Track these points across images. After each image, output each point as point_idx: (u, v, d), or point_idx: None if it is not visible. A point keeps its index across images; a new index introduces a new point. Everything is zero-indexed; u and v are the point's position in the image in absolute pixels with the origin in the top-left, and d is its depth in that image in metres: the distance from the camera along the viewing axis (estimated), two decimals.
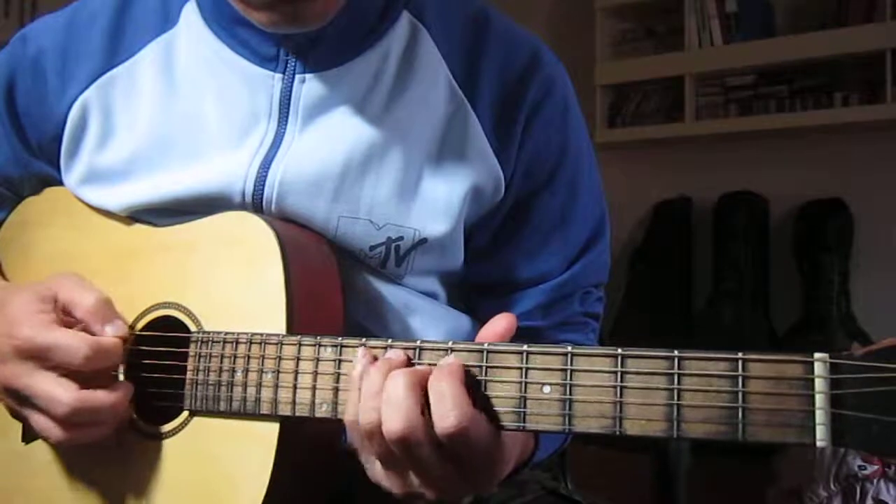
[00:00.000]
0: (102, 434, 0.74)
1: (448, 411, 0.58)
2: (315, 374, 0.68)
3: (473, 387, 0.61)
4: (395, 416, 0.60)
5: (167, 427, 0.76)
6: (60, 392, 0.71)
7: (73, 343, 0.72)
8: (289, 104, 0.83)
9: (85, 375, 0.72)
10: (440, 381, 0.60)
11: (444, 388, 0.59)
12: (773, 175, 3.23)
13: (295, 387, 0.69)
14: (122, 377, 0.78)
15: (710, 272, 3.31)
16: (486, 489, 0.65)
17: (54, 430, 0.73)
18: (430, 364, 0.64)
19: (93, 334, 0.75)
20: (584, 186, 0.91)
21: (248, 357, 0.72)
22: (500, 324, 0.65)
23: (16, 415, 0.77)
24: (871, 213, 3.06)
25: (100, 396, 0.72)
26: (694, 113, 3.33)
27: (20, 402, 0.75)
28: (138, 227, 0.86)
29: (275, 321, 0.72)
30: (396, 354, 0.64)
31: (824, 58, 3.05)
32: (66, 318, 0.76)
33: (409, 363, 0.64)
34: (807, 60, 3.09)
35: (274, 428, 0.70)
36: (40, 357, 0.72)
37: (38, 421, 0.74)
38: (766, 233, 3.24)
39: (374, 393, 0.62)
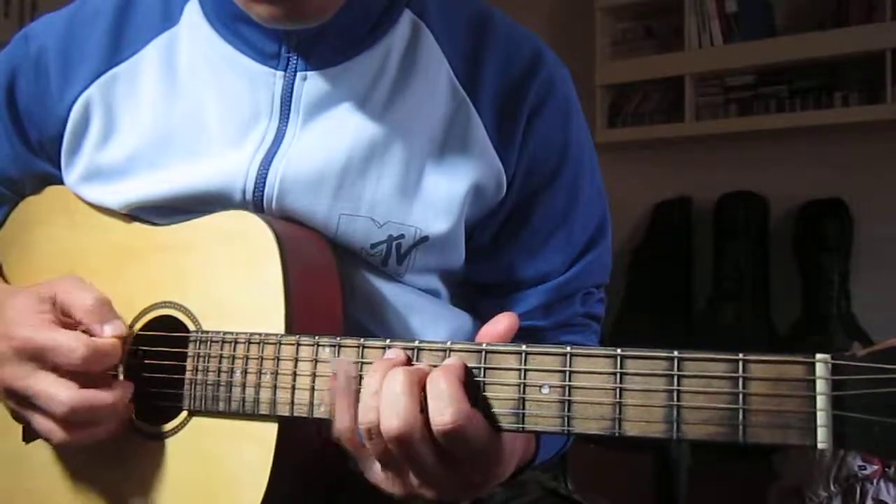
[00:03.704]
0: (104, 433, 0.74)
1: (444, 408, 0.58)
2: (313, 374, 0.68)
3: (472, 386, 0.61)
4: (393, 413, 0.59)
5: (166, 427, 0.76)
6: (60, 392, 0.71)
7: (70, 343, 0.71)
8: (290, 102, 0.83)
9: (85, 376, 0.72)
10: (439, 378, 0.60)
11: (442, 385, 0.59)
12: (773, 175, 3.24)
13: (293, 387, 0.69)
14: (121, 377, 0.78)
15: (710, 272, 3.32)
16: (485, 489, 0.65)
17: (55, 431, 0.73)
18: (430, 365, 0.63)
19: (92, 335, 0.74)
20: (586, 186, 0.91)
21: (247, 357, 0.72)
22: (502, 323, 0.64)
23: (17, 416, 0.77)
24: (871, 213, 3.06)
25: (100, 395, 0.72)
26: (694, 113, 3.34)
27: (21, 403, 0.74)
28: (138, 226, 0.86)
29: (273, 321, 0.72)
30: (395, 353, 0.64)
31: (824, 58, 3.05)
32: (65, 318, 0.76)
33: (408, 362, 0.64)
34: (807, 60, 3.09)
35: (273, 428, 0.70)
36: (39, 357, 0.72)
37: (40, 422, 0.74)
38: (766, 233, 3.24)
39: (373, 392, 0.62)
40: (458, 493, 0.64)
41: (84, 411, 0.71)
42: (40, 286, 0.78)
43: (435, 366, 0.62)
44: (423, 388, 0.61)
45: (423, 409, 0.60)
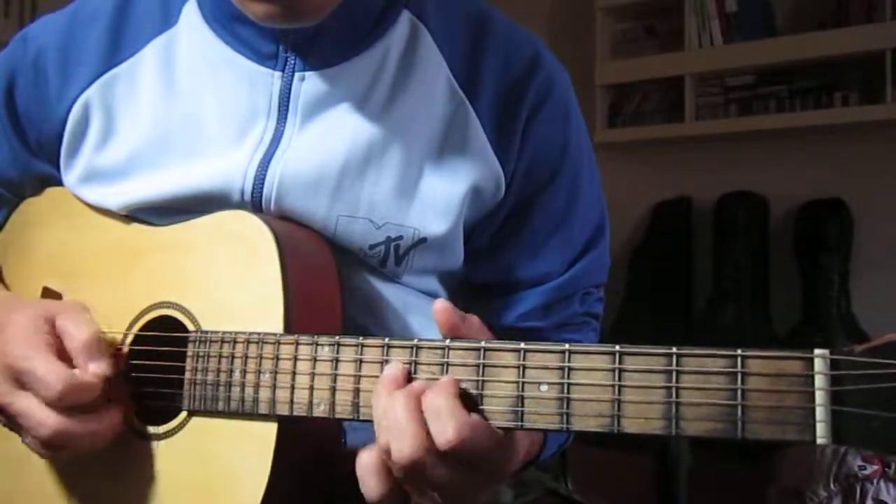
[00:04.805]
0: (87, 452, 0.74)
1: (445, 425, 0.58)
2: (312, 373, 0.68)
3: (469, 397, 0.61)
4: (401, 442, 0.59)
5: (166, 427, 0.76)
6: (43, 416, 0.71)
7: (49, 376, 0.71)
8: (288, 102, 0.83)
9: None
10: (434, 397, 0.60)
11: (439, 404, 0.59)
12: (773, 175, 3.23)
13: (293, 387, 0.69)
14: (120, 377, 0.78)
15: (710, 272, 3.31)
16: (501, 482, 0.65)
17: (40, 450, 0.74)
18: (427, 363, 0.63)
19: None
20: (585, 187, 0.91)
21: (246, 357, 0.72)
22: (439, 317, 0.64)
23: (8, 428, 0.77)
24: (871, 213, 3.06)
25: (82, 425, 0.72)
26: (694, 113, 3.34)
27: (8, 418, 0.75)
28: (137, 226, 0.86)
29: (272, 321, 0.72)
30: (394, 370, 0.63)
31: (824, 58, 3.05)
32: (60, 343, 0.75)
33: (407, 376, 0.63)
34: (806, 60, 3.09)
35: (272, 427, 0.70)
36: (22, 380, 0.72)
37: (25, 438, 0.74)
38: (766, 233, 3.24)
39: (382, 413, 0.61)
40: (476, 493, 0.64)
41: (67, 437, 0.72)
42: (45, 304, 0.79)
43: (431, 368, 0.62)
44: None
45: (428, 429, 0.60)
